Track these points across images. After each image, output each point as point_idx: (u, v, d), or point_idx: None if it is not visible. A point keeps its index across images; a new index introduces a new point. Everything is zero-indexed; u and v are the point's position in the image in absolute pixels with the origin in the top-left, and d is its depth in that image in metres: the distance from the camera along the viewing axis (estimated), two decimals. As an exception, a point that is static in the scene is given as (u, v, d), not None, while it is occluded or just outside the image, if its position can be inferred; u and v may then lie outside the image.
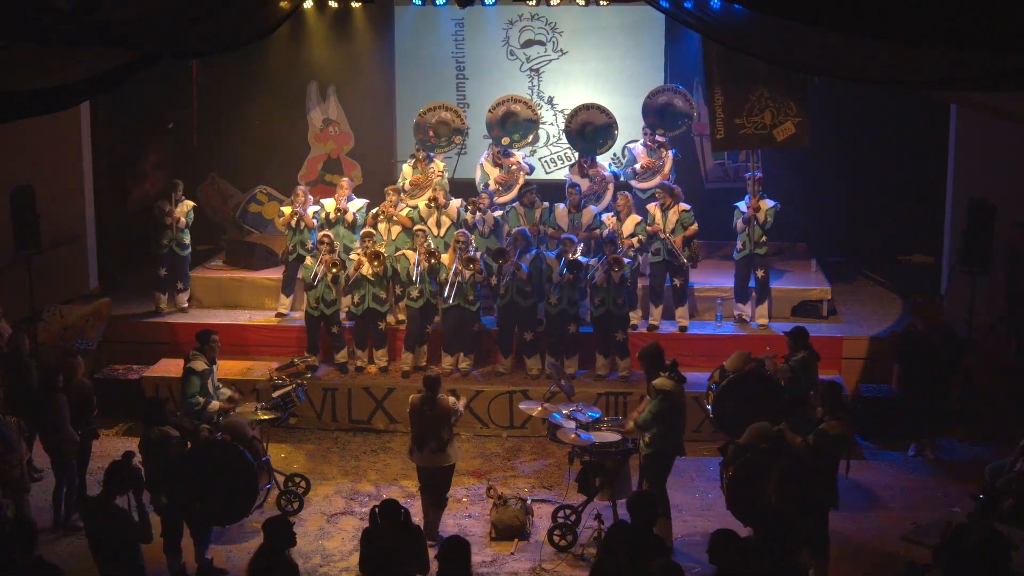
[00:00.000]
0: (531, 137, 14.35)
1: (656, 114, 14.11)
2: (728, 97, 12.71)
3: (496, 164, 13.92)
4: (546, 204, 13.50)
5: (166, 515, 9.41)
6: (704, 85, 13.46)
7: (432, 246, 12.72)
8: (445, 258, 12.66)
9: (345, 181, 13.95)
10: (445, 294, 12.49)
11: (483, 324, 13.16)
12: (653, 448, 9.73)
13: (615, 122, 14.04)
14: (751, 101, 12.62)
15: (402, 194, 13.84)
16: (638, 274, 13.25)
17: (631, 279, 12.82)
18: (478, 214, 13.21)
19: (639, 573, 7.27)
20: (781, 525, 7.93)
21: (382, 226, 13.38)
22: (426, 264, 12.52)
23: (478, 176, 14.06)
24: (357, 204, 13.75)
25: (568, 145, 14.93)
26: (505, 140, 14.04)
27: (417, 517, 10.28)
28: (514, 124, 14.16)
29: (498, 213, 13.44)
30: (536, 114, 14.33)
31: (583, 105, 14.18)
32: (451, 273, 12.43)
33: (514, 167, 13.84)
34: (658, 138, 13.98)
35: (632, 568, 7.42)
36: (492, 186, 13.77)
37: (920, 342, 11.65)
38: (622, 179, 14.19)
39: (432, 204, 13.37)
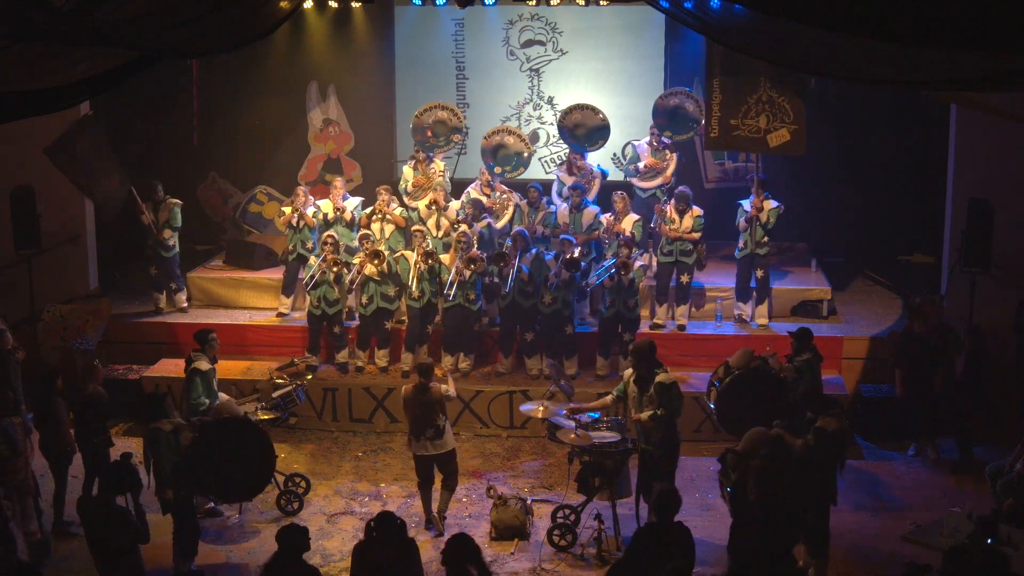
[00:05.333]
0: (521, 170, 14.19)
1: (666, 116, 14.09)
2: (726, 97, 12.68)
3: (483, 192, 13.70)
4: (551, 208, 13.50)
5: (180, 515, 9.41)
6: (704, 83, 13.45)
7: (430, 246, 12.73)
8: (445, 258, 12.65)
9: (339, 180, 13.93)
10: (445, 291, 12.47)
11: (482, 324, 13.17)
12: (665, 447, 9.75)
13: (607, 123, 14.00)
14: (748, 104, 12.58)
15: (405, 196, 13.83)
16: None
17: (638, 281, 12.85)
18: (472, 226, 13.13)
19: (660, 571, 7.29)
20: (767, 521, 7.92)
21: (375, 226, 13.37)
22: (424, 265, 12.53)
23: (465, 198, 13.78)
24: (353, 203, 13.74)
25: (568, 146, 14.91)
26: (497, 170, 13.90)
27: (418, 516, 10.30)
28: (505, 156, 14.00)
29: (484, 223, 13.37)
30: (529, 148, 14.20)
31: (576, 105, 14.16)
32: (452, 272, 12.44)
33: (504, 196, 13.71)
34: (664, 139, 13.98)
35: (657, 567, 7.43)
36: (483, 221, 13.58)
37: (919, 343, 11.64)
38: (624, 177, 14.19)
39: (432, 206, 13.36)
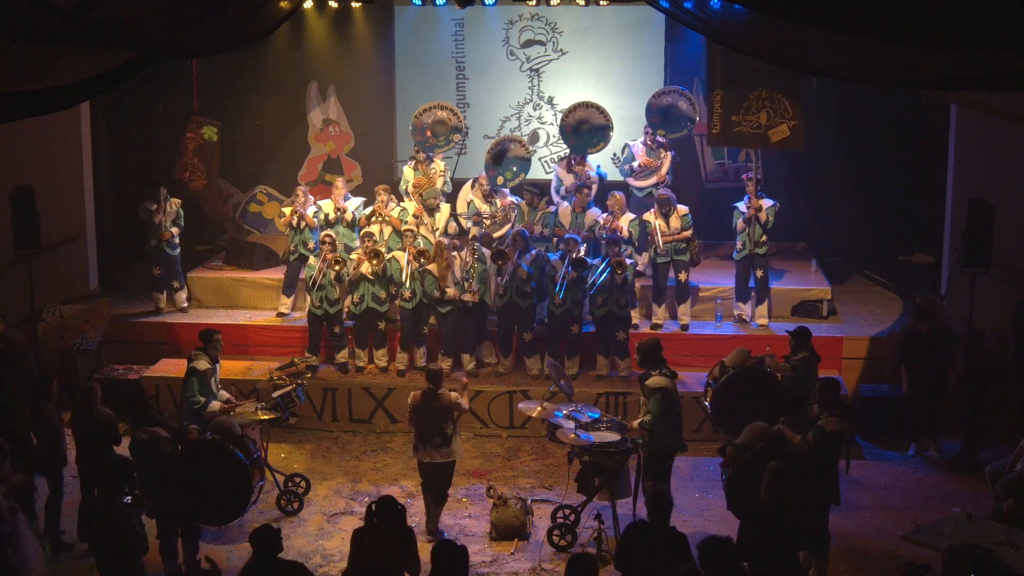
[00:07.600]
0: (522, 176, 14.07)
1: (659, 114, 14.09)
2: (727, 94, 12.72)
3: (487, 200, 13.71)
4: (551, 208, 13.49)
5: (161, 517, 9.41)
6: (705, 81, 13.46)
7: (423, 246, 12.72)
8: (433, 267, 12.60)
9: (340, 180, 13.93)
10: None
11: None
12: (652, 448, 9.76)
13: (611, 125, 14.00)
14: (749, 100, 12.63)
15: (405, 196, 13.81)
16: (636, 274, 13.26)
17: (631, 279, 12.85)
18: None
19: (661, 571, 7.26)
20: (774, 523, 7.91)
21: (375, 227, 13.36)
22: (416, 265, 12.52)
23: (466, 208, 13.81)
24: (354, 203, 13.74)
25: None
26: (500, 180, 13.80)
27: (418, 516, 10.30)
28: (508, 160, 13.92)
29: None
30: (528, 151, 14.15)
31: (582, 102, 14.15)
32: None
33: (507, 205, 13.70)
34: (659, 139, 13.99)
35: (654, 567, 7.41)
36: (487, 223, 13.57)
37: (923, 343, 11.65)
38: (621, 177, 14.19)
39: (418, 216, 13.32)
